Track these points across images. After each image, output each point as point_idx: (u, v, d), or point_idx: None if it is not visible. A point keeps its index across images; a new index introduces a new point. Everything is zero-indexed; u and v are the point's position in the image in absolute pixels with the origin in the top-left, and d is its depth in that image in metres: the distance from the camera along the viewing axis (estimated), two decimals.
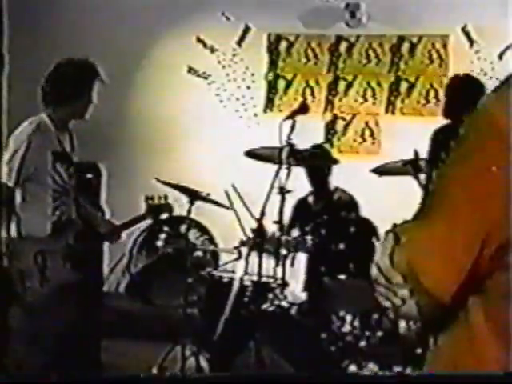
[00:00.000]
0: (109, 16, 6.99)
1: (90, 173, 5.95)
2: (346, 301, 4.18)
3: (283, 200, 4.14)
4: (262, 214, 3.98)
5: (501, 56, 6.57)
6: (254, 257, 4.17)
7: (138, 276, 6.77)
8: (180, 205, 4.94)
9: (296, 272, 4.76)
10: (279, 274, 4.46)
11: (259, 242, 4.10)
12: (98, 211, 4.80)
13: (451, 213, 1.34)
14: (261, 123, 6.90)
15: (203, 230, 6.63)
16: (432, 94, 6.78)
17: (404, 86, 6.85)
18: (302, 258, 4.76)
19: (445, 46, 6.75)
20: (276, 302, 4.30)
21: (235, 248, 4.57)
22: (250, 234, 4.26)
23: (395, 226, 1.43)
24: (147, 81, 7.19)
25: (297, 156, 4.22)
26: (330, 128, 6.95)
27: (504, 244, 1.31)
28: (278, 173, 4.06)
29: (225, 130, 6.93)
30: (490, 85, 5.01)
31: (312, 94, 6.98)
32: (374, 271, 1.40)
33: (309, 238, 4.48)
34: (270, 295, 4.34)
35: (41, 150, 3.85)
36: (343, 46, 6.94)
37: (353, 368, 3.94)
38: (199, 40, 7.08)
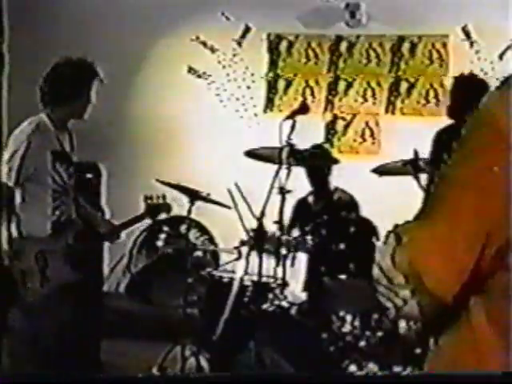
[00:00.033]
0: (109, 16, 6.99)
1: (90, 173, 5.95)
2: (346, 301, 4.18)
3: (283, 200, 4.14)
4: (262, 213, 3.98)
5: (501, 56, 6.57)
6: (254, 257, 4.17)
7: (138, 276, 6.77)
8: (180, 205, 4.95)
9: (296, 272, 4.76)
10: (279, 273, 4.46)
11: (259, 241, 4.10)
12: (97, 211, 4.80)
13: (453, 213, 1.35)
14: (261, 123, 6.90)
15: (203, 230, 6.63)
16: (432, 94, 6.78)
17: (404, 86, 6.85)
18: (302, 258, 4.76)
19: (445, 45, 6.75)
20: (276, 302, 4.30)
21: (235, 248, 4.57)
22: (251, 234, 4.26)
23: (397, 226, 1.43)
24: (147, 81, 7.19)
25: (297, 156, 4.22)
26: (329, 128, 6.95)
27: (506, 244, 1.32)
28: (277, 173, 4.06)
29: (225, 130, 6.93)
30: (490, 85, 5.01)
31: (312, 94, 6.98)
32: (375, 272, 1.40)
33: (309, 237, 4.48)
34: (270, 295, 4.34)
35: (40, 150, 3.85)
36: (343, 46, 6.94)
37: (353, 368, 3.94)
38: (199, 40, 7.08)
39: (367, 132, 6.90)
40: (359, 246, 4.52)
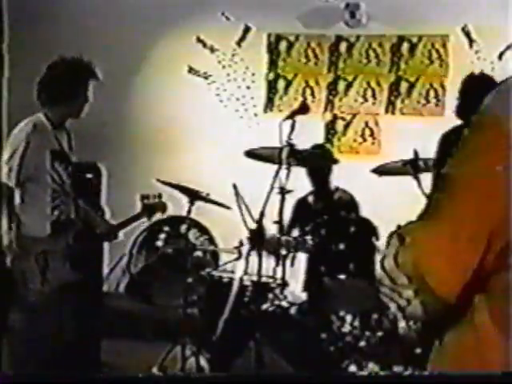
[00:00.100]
0: (109, 16, 6.99)
1: (89, 173, 5.94)
2: (346, 301, 4.18)
3: (283, 200, 4.14)
4: (262, 214, 3.98)
5: (501, 56, 6.57)
6: (254, 257, 4.17)
7: (138, 276, 6.77)
8: (176, 204, 4.95)
9: (296, 272, 4.76)
10: (279, 274, 4.46)
11: (259, 242, 4.10)
12: (97, 211, 4.80)
13: (456, 213, 1.35)
14: (261, 123, 6.90)
15: (203, 230, 6.63)
16: (432, 94, 6.78)
17: (404, 86, 6.85)
18: (302, 258, 4.76)
19: (445, 45, 6.75)
20: (276, 302, 4.31)
21: (235, 248, 4.57)
22: (250, 234, 4.25)
23: (399, 227, 1.44)
24: (147, 81, 7.19)
25: (297, 156, 4.22)
26: (329, 128, 6.95)
27: (509, 243, 1.32)
28: (277, 173, 4.05)
29: (225, 130, 6.93)
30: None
31: (312, 94, 6.98)
32: (378, 272, 1.41)
33: (309, 238, 4.48)
34: (270, 295, 4.34)
35: (39, 150, 3.85)
36: (343, 46, 6.94)
37: (353, 368, 3.94)
38: (199, 40, 7.08)
39: (367, 132, 6.90)
40: (359, 246, 4.53)
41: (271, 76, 7.06)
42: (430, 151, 4.58)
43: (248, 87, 7.07)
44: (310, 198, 5.36)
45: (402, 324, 3.67)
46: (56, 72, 3.96)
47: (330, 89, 6.96)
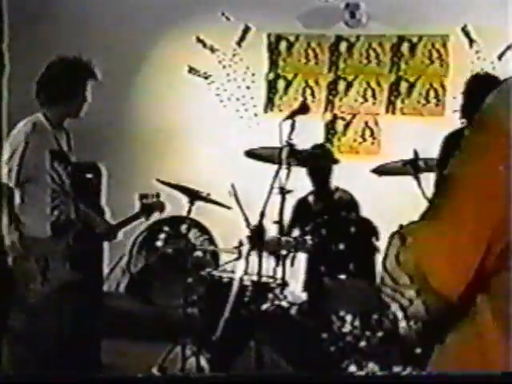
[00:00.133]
0: (109, 16, 6.99)
1: (89, 173, 5.95)
2: (346, 301, 4.18)
3: (283, 200, 4.14)
4: (262, 214, 3.97)
5: (501, 56, 6.57)
6: (254, 257, 4.17)
7: (138, 276, 6.77)
8: (180, 205, 4.95)
9: (296, 272, 4.76)
10: (279, 274, 4.46)
11: (259, 242, 4.10)
12: (97, 211, 4.79)
13: (458, 212, 1.35)
14: (261, 123, 6.90)
15: (203, 230, 6.63)
16: (432, 94, 6.78)
17: (404, 85, 6.84)
18: (302, 258, 4.76)
19: (445, 45, 6.75)
20: (276, 302, 4.30)
21: (235, 248, 4.57)
22: (250, 234, 4.26)
23: (401, 227, 1.44)
24: (147, 81, 7.19)
25: (297, 156, 4.22)
26: (329, 128, 6.95)
27: (510, 243, 1.32)
28: (277, 173, 4.05)
29: (225, 130, 6.93)
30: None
31: (312, 94, 6.97)
32: (379, 272, 1.41)
33: (309, 238, 4.48)
34: (270, 295, 4.34)
35: (38, 150, 3.85)
36: (343, 46, 6.94)
37: (353, 368, 3.94)
38: (199, 40, 7.08)
39: (367, 132, 6.90)
40: (359, 246, 4.53)
41: (271, 76, 7.06)
42: (430, 151, 4.57)
43: (248, 87, 7.07)
44: (310, 198, 5.36)
45: (402, 324, 3.67)
46: (54, 72, 3.96)
47: (330, 89, 6.96)
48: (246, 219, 4.32)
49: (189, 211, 4.77)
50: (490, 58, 6.59)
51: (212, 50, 7.09)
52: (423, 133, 6.25)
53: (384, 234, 4.42)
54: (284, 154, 4.09)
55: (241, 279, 4.25)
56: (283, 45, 7.03)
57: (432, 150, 4.51)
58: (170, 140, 7.06)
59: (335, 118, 6.95)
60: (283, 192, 4.11)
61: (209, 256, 6.22)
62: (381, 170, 4.76)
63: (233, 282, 4.27)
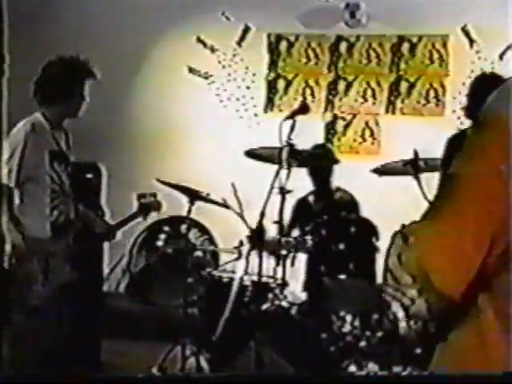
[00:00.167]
0: (109, 16, 6.99)
1: (89, 173, 5.94)
2: (346, 301, 4.18)
3: (283, 200, 4.14)
4: (262, 214, 3.97)
5: (501, 56, 6.57)
6: (254, 257, 4.17)
7: (138, 276, 6.77)
8: (180, 205, 4.95)
9: (296, 272, 4.76)
10: (279, 274, 4.46)
11: (259, 242, 4.10)
12: (97, 211, 4.80)
13: (460, 212, 1.35)
14: (261, 123, 6.90)
15: (203, 230, 6.63)
16: (432, 94, 6.78)
17: (404, 85, 6.84)
18: (302, 258, 4.76)
19: (445, 45, 6.75)
20: (276, 302, 4.30)
21: (235, 248, 4.57)
22: (250, 234, 4.25)
23: (403, 226, 1.44)
24: (147, 81, 7.18)
25: (297, 156, 4.22)
26: (329, 128, 6.95)
27: (511, 243, 1.32)
28: (278, 173, 4.05)
29: (225, 130, 6.93)
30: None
31: (312, 94, 6.97)
32: (381, 272, 1.41)
33: (309, 237, 4.48)
34: (270, 295, 4.33)
35: (38, 150, 3.85)
36: (343, 46, 6.94)
37: (353, 368, 3.94)
38: (199, 40, 7.08)
39: (367, 132, 6.90)
40: (359, 246, 4.52)
41: (271, 76, 7.06)
42: (430, 151, 4.57)
43: (248, 87, 7.07)
44: (311, 198, 5.36)
45: (402, 324, 3.67)
46: (52, 71, 3.95)
47: (330, 89, 6.96)
48: (243, 219, 4.32)
49: (189, 211, 4.77)
50: (490, 58, 6.59)
51: (212, 50, 7.09)
52: (423, 133, 6.25)
53: (384, 234, 4.43)
54: (284, 154, 4.09)
55: (241, 279, 4.25)
56: (283, 45, 7.03)
57: (432, 150, 4.51)
58: (170, 140, 7.06)
59: (335, 118, 6.95)
60: (283, 192, 4.10)
61: (209, 256, 6.22)
62: (381, 170, 4.75)
63: (233, 282, 4.27)
